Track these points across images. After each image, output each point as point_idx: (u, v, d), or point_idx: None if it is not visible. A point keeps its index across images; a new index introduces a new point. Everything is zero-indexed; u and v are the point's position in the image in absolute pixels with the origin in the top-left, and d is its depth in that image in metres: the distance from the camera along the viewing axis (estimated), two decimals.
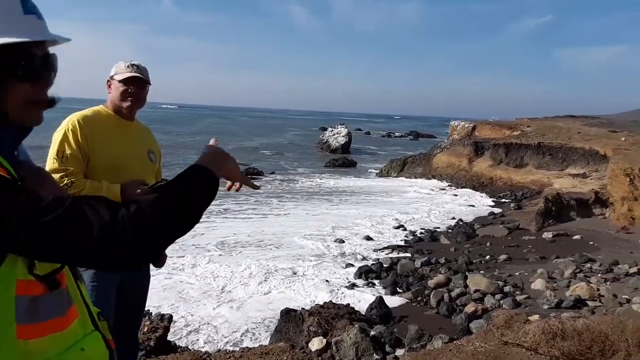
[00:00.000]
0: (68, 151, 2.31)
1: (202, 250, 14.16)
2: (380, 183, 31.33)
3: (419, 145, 56.84)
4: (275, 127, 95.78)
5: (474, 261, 13.88)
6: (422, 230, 18.35)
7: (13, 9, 1.01)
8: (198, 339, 9.05)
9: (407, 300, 11.17)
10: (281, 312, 8.54)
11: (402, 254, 15.02)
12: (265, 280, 12.20)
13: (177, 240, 1.07)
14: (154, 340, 5.28)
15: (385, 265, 13.55)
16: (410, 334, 8.06)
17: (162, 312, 6.79)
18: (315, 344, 6.71)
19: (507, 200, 24.68)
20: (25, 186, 0.97)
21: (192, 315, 10.05)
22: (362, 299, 10.99)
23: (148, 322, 5.57)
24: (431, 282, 11.87)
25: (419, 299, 11.18)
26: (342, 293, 11.58)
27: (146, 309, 3.48)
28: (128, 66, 2.49)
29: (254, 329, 9.72)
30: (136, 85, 2.51)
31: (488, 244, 15.99)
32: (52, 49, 1.10)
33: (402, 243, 16.60)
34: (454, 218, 20.63)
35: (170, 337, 6.18)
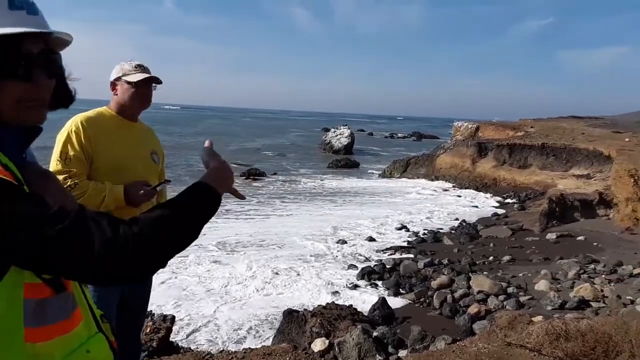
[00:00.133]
0: (71, 153, 2.31)
1: (204, 251, 14.17)
2: (383, 184, 31.30)
3: (422, 146, 56.78)
4: (278, 128, 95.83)
5: (477, 262, 13.86)
6: (425, 231, 18.33)
7: None
8: (200, 339, 9.06)
9: (410, 301, 11.15)
10: (284, 313, 8.55)
11: (405, 255, 15.00)
12: (268, 281, 12.20)
13: None
14: (156, 341, 5.29)
15: (388, 266, 13.54)
16: (413, 335, 8.05)
17: (164, 313, 6.80)
18: (318, 345, 6.71)
19: (510, 201, 24.63)
20: (31, 193, 0.96)
21: (194, 314, 10.07)
22: (364, 300, 10.98)
23: (150, 323, 5.58)
24: (434, 283, 11.84)
25: (421, 299, 11.16)
26: (345, 294, 11.58)
27: (148, 309, 3.48)
28: (136, 67, 2.49)
29: (257, 325, 9.75)
30: (147, 87, 2.53)
31: (491, 244, 15.96)
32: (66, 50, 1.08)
33: (405, 244, 16.57)
34: (457, 219, 20.60)
35: (172, 337, 6.19)
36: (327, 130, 57.76)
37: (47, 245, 0.88)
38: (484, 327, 7.88)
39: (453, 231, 18.47)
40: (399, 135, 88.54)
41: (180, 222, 1.04)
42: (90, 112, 2.48)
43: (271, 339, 8.46)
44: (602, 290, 10.57)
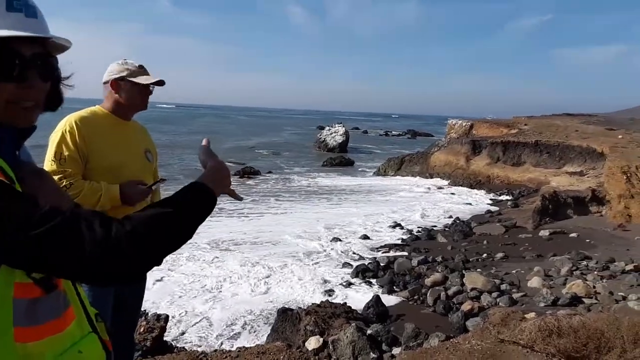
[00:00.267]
0: (66, 153, 2.29)
1: (198, 248, 14.16)
2: (378, 182, 31.34)
3: (417, 144, 56.87)
4: (273, 127, 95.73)
5: (470, 259, 13.91)
6: (419, 229, 18.38)
7: None
8: (194, 336, 9.10)
9: (404, 299, 11.19)
10: (278, 311, 8.56)
11: (399, 253, 15.04)
12: (262, 279, 12.21)
13: None
14: (150, 341, 5.27)
15: (382, 264, 13.58)
16: (407, 332, 8.09)
17: (158, 312, 6.79)
18: (312, 343, 6.72)
19: (504, 199, 24.72)
20: (22, 193, 0.95)
21: (188, 312, 10.09)
22: (358, 298, 11.01)
23: (144, 323, 5.57)
24: (428, 281, 11.89)
25: (415, 297, 11.20)
26: (339, 292, 11.60)
27: (142, 308, 3.48)
28: (140, 67, 2.48)
29: (252, 321, 9.83)
30: (151, 89, 2.54)
31: (485, 242, 16.02)
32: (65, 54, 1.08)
33: (399, 242, 16.61)
34: (451, 216, 20.66)
35: (166, 335, 6.18)
36: (322, 128, 57.76)
37: (36, 245, 0.88)
38: (477, 324, 7.91)
39: (447, 229, 18.54)
40: (394, 133, 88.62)
41: (174, 221, 1.03)
42: (84, 112, 2.44)
43: (266, 334, 8.49)
44: (594, 287, 10.65)
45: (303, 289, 11.74)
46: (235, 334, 9.33)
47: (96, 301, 2.02)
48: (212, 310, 10.27)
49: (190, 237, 1.08)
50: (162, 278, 11.63)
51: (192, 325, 9.55)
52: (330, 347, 6.66)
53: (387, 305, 10.26)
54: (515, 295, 10.65)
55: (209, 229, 15.88)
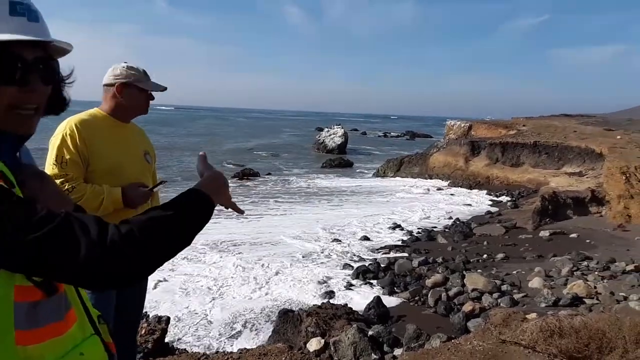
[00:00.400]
0: (67, 156, 2.28)
1: (197, 251, 14.13)
2: (377, 183, 31.33)
3: (416, 145, 56.88)
4: (272, 128, 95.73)
5: (471, 260, 13.91)
6: (419, 230, 18.37)
7: None
8: (195, 336, 9.08)
9: (405, 300, 11.18)
10: (279, 312, 8.56)
11: (399, 254, 15.02)
12: (262, 280, 12.19)
13: None
14: (151, 343, 5.27)
15: (382, 265, 13.56)
16: (408, 333, 8.07)
17: (159, 314, 6.79)
18: (314, 344, 6.72)
19: (504, 199, 24.72)
20: (19, 197, 0.95)
21: (188, 313, 10.08)
22: (359, 299, 10.99)
23: (145, 325, 5.56)
24: (429, 282, 11.88)
25: (416, 298, 11.18)
26: (340, 293, 11.59)
27: (143, 310, 3.47)
28: (145, 74, 2.49)
29: (253, 319, 9.81)
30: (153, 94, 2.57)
31: (485, 242, 16.01)
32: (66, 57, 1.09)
33: (399, 243, 16.60)
34: (450, 217, 20.65)
35: (167, 339, 6.17)
36: (321, 129, 57.76)
37: (34, 248, 0.88)
38: (478, 325, 7.91)
39: (447, 230, 18.52)
40: (393, 134, 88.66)
41: (171, 226, 1.03)
42: (83, 114, 2.44)
43: (268, 333, 8.49)
44: (595, 287, 10.64)
45: (303, 290, 11.73)
46: (236, 332, 9.31)
47: (99, 303, 2.02)
48: (212, 311, 10.26)
49: (188, 242, 1.07)
50: (162, 279, 11.63)
51: (193, 326, 9.54)
52: (332, 349, 6.65)
53: (388, 306, 10.25)
54: (516, 296, 10.64)
55: (208, 230, 15.75)
